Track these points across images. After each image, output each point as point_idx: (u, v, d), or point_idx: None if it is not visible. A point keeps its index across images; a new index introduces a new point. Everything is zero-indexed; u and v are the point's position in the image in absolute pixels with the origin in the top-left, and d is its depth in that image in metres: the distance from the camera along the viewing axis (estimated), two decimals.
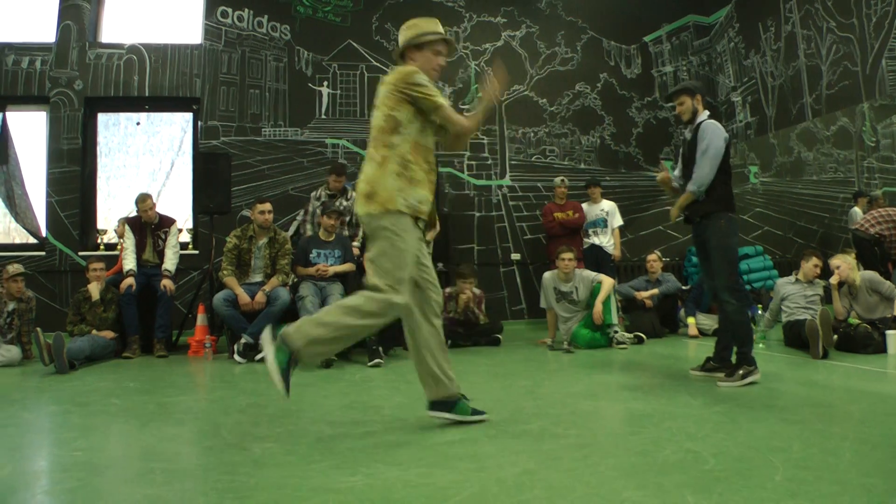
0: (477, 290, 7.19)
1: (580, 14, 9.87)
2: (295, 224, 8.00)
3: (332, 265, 6.48)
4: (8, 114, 8.81)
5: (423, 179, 3.20)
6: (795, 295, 6.28)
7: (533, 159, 9.57)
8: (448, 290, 7.11)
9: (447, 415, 3.22)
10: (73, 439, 3.17)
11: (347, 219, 7.09)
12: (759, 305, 7.41)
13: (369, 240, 3.18)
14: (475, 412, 3.28)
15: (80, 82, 8.79)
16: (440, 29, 3.47)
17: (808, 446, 2.68)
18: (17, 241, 8.87)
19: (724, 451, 2.63)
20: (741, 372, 4.19)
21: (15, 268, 6.33)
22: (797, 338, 5.91)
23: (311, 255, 6.50)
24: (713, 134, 4.35)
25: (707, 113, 4.57)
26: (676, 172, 4.82)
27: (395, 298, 3.02)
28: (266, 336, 2.96)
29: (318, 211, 6.99)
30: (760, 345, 6.08)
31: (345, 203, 7.07)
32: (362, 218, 3.17)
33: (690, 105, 4.55)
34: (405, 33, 3.43)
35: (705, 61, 10.19)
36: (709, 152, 4.32)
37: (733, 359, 4.43)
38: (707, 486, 2.21)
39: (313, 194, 7.34)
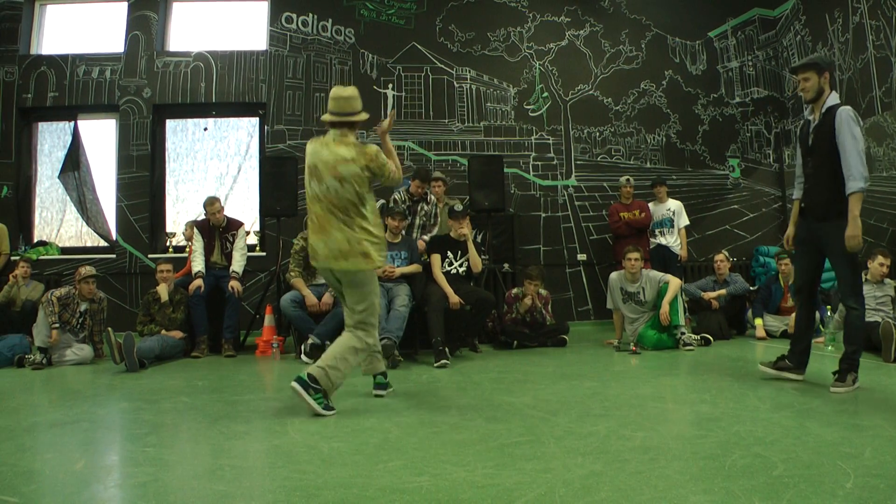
0: (543, 292, 7.13)
1: (644, 11, 9.77)
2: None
3: (398, 266, 6.45)
4: (79, 122, 9.02)
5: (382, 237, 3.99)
6: (865, 296, 6.02)
7: (598, 159, 9.48)
8: (514, 290, 7.07)
9: (305, 394, 3.61)
10: (143, 435, 3.22)
11: (428, 222, 7.14)
12: (829, 307, 7.24)
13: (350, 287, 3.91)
14: (327, 407, 3.65)
15: (148, 90, 8.96)
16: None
17: (881, 453, 2.59)
18: (89, 244, 9.07)
19: (794, 457, 2.56)
20: (853, 376, 4.00)
21: (87, 270, 6.44)
22: (867, 340, 5.67)
23: None
24: (849, 121, 3.92)
25: (835, 95, 4.14)
26: (798, 160, 4.43)
27: (369, 338, 3.93)
28: (299, 389, 3.60)
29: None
30: (829, 347, 5.94)
31: (425, 208, 7.06)
32: (345, 273, 3.86)
33: (816, 83, 4.07)
34: (350, 103, 3.94)
35: (771, 56, 10.00)
36: (850, 142, 3.90)
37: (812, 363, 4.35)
38: (776, 492, 2.16)
39: (393, 196, 7.24)
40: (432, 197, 7.21)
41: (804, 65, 4.14)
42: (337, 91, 3.95)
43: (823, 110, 4.08)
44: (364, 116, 3.97)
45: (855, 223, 3.87)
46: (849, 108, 4.00)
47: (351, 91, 3.99)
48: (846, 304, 4.17)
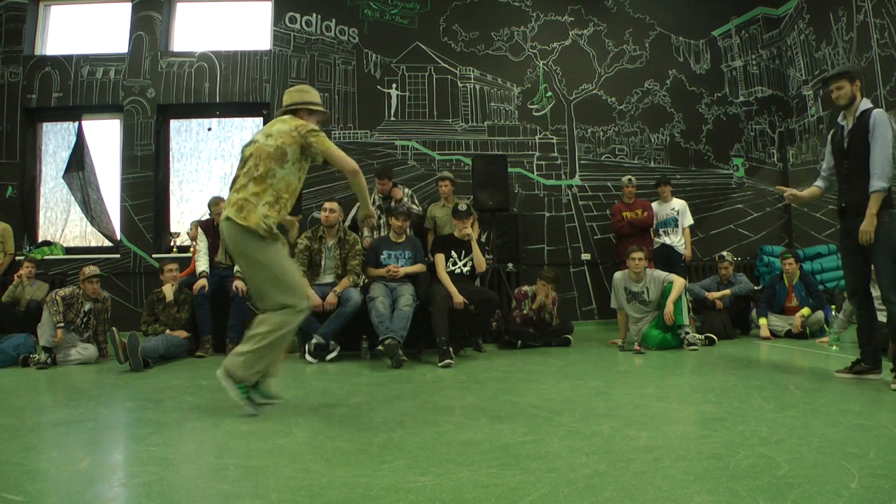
0: (553, 293, 7.12)
1: (647, 10, 9.76)
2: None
3: (402, 266, 6.46)
4: (84, 122, 9.05)
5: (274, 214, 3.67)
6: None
7: (602, 158, 9.48)
8: (525, 288, 7.07)
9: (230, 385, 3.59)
10: (148, 435, 3.21)
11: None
12: (833, 306, 7.23)
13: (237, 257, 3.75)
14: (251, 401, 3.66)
15: (152, 90, 8.98)
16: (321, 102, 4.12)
17: (886, 453, 2.57)
18: (94, 244, 9.08)
19: (799, 457, 2.54)
20: None
21: (91, 269, 6.44)
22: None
23: (381, 256, 6.50)
24: (884, 124, 4.09)
25: (867, 101, 4.31)
26: (825, 165, 4.57)
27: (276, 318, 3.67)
28: (221, 376, 3.58)
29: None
30: (834, 347, 5.91)
31: (401, 202, 7.35)
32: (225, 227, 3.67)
33: (849, 90, 4.27)
34: (301, 95, 3.99)
35: (775, 54, 9.98)
36: (885, 146, 4.07)
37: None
38: (780, 492, 2.14)
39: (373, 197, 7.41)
40: (402, 189, 7.52)
41: (836, 74, 4.34)
42: (290, 89, 4.12)
43: (857, 114, 4.25)
44: (317, 108, 4.00)
45: (871, 220, 4.08)
46: (882, 110, 4.18)
47: (301, 87, 4.12)
48: (886, 297, 4.14)
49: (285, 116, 3.86)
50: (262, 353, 3.59)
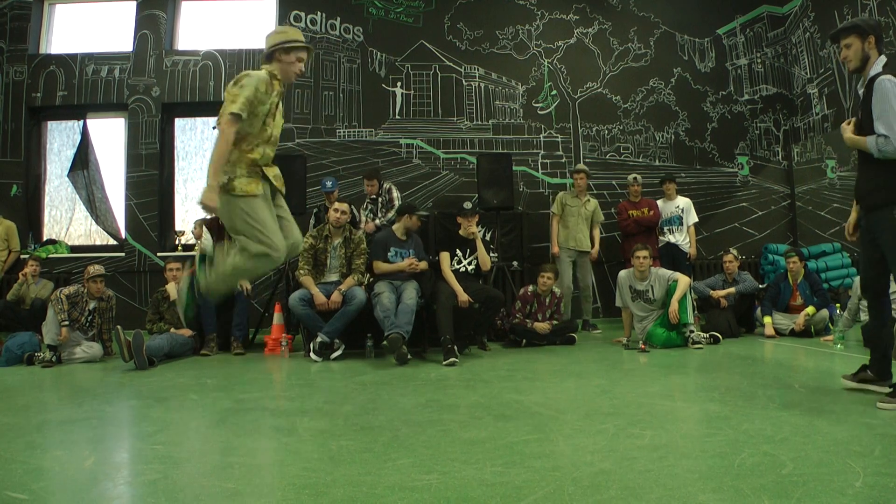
0: (557, 290, 7.12)
1: (652, 9, 9.75)
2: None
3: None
4: (88, 121, 9.06)
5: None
6: None
7: (607, 157, 9.47)
8: (531, 288, 7.05)
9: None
10: (153, 433, 3.22)
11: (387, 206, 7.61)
12: (838, 305, 7.20)
13: None
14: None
15: (157, 89, 8.99)
16: (301, 38, 3.82)
17: (891, 452, 2.56)
18: (98, 242, 9.11)
19: (803, 455, 2.53)
20: None
21: (96, 269, 6.45)
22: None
23: (388, 254, 6.49)
24: (884, 94, 3.36)
25: (883, 60, 3.52)
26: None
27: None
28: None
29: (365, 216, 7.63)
30: (839, 345, 5.88)
31: (390, 198, 7.60)
32: None
33: (860, 48, 3.54)
34: (274, 37, 3.76)
35: (780, 53, 9.95)
36: (886, 119, 3.34)
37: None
38: (785, 490, 2.14)
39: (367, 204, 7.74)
40: (386, 185, 7.71)
41: (844, 29, 3.63)
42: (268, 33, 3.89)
43: (867, 80, 3.52)
44: (287, 44, 3.70)
45: (846, 134, 3.63)
46: (889, 77, 3.39)
47: (277, 28, 4.05)
48: None
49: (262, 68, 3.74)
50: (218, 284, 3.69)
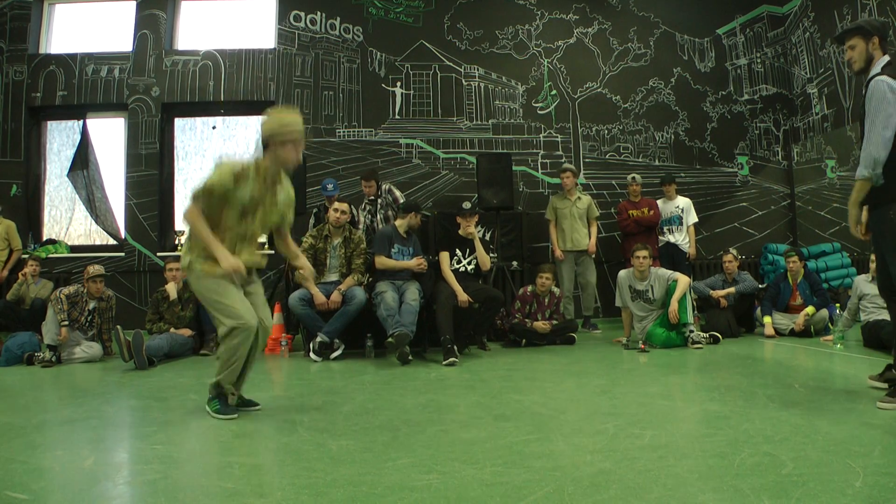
0: (556, 290, 7.12)
1: (652, 9, 9.75)
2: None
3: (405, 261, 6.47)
4: (88, 121, 9.06)
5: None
6: (874, 294, 5.85)
7: (607, 157, 9.47)
8: (530, 288, 7.06)
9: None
10: (152, 433, 3.21)
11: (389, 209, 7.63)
12: (837, 304, 7.20)
13: None
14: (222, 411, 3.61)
15: (156, 89, 8.99)
16: (297, 121, 3.68)
17: (890, 452, 2.56)
18: (98, 242, 9.10)
19: (803, 455, 2.53)
20: None
21: (96, 269, 6.46)
22: (876, 338, 5.63)
23: (392, 250, 6.49)
24: (880, 97, 3.31)
25: (884, 60, 3.49)
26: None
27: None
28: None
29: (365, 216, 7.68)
30: (838, 345, 5.88)
31: (383, 199, 7.59)
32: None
33: (864, 49, 3.53)
34: (269, 125, 3.63)
35: (780, 53, 9.95)
36: (876, 122, 3.31)
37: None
38: (785, 490, 2.13)
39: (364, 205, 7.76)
40: (385, 186, 7.70)
41: (848, 30, 3.63)
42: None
43: (867, 81, 3.49)
44: (287, 137, 3.60)
45: (852, 208, 3.59)
46: (884, 78, 3.37)
47: (268, 115, 3.72)
48: (890, 296, 3.70)
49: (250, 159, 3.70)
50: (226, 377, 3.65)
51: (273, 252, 8.54)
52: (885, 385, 3.74)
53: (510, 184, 7.92)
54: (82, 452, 2.85)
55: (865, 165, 3.36)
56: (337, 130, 9.05)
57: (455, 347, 5.73)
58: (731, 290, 7.36)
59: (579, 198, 8.12)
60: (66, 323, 6.05)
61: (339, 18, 9.25)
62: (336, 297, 6.21)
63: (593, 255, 8.10)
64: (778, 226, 9.65)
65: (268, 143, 3.61)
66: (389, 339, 5.58)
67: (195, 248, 3.62)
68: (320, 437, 3.04)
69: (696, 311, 6.75)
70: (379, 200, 7.54)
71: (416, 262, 6.38)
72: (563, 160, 9.31)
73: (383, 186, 7.69)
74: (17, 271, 7.60)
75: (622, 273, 6.78)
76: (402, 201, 7.47)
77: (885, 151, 3.29)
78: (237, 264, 3.50)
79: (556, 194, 8.32)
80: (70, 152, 9.03)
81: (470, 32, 9.41)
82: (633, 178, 8.27)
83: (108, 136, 9.22)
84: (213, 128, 9.28)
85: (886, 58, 3.51)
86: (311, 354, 6.06)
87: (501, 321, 7.09)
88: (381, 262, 6.37)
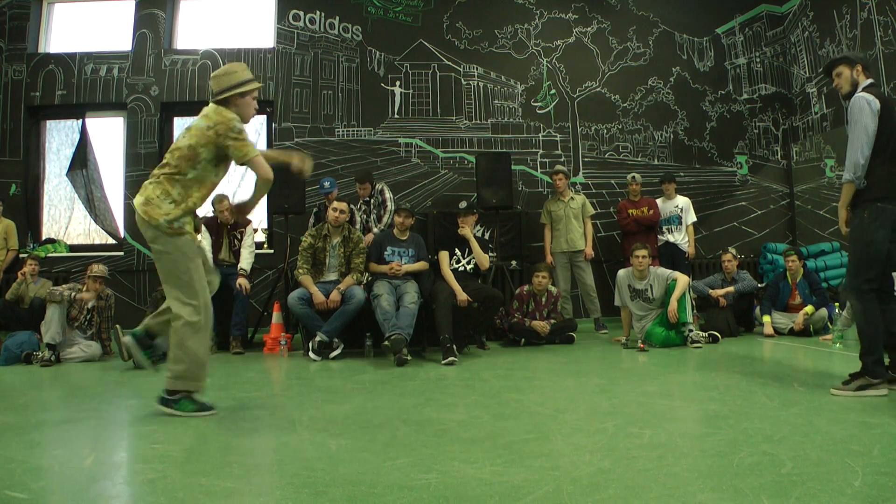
0: (553, 289, 7.13)
1: (651, 8, 9.76)
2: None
3: (405, 263, 6.45)
4: (87, 120, 9.05)
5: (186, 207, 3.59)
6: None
7: (606, 156, 9.47)
8: (526, 287, 7.06)
9: (170, 410, 3.60)
10: (152, 432, 3.22)
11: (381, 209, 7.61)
12: (836, 304, 7.21)
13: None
14: (201, 408, 3.62)
15: (156, 88, 8.98)
16: (251, 76, 3.76)
17: (889, 451, 2.56)
18: (97, 241, 9.09)
19: (802, 455, 2.53)
20: (859, 382, 3.73)
21: (100, 269, 6.46)
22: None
23: (385, 253, 6.49)
24: (859, 109, 3.72)
25: (868, 82, 3.88)
26: None
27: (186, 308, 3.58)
28: (163, 409, 3.58)
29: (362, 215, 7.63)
30: (837, 345, 5.89)
31: (383, 199, 7.60)
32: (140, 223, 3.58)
33: (849, 76, 3.90)
34: (229, 79, 3.67)
35: (779, 52, 9.96)
36: (854, 131, 3.73)
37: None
38: (784, 489, 2.13)
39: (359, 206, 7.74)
40: (379, 185, 7.68)
41: (834, 61, 4.02)
42: (215, 73, 3.77)
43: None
44: (243, 87, 3.66)
45: (841, 211, 3.96)
46: (863, 94, 3.78)
47: (225, 69, 3.72)
48: (847, 294, 3.97)
49: (209, 109, 3.64)
50: (181, 372, 3.60)
51: (273, 252, 8.61)
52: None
53: (509, 183, 7.92)
54: (81, 451, 2.85)
55: (849, 170, 3.79)
56: (336, 130, 9.05)
57: (454, 347, 5.73)
58: (731, 289, 7.37)
59: (572, 198, 8.13)
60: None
61: (338, 17, 9.24)
62: (335, 296, 6.21)
63: (589, 258, 8.09)
64: (777, 225, 9.65)
65: (228, 98, 3.64)
66: (385, 343, 5.58)
67: (183, 202, 3.56)
68: (319, 437, 3.04)
69: (695, 311, 6.76)
70: (372, 201, 7.52)
71: (388, 268, 6.39)
72: (562, 159, 9.31)
73: (377, 186, 7.68)
74: (13, 271, 7.59)
75: (621, 272, 6.78)
76: (390, 204, 7.49)
77: (863, 158, 3.72)
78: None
79: (549, 198, 8.36)
80: (69, 151, 9.03)
81: (469, 32, 9.41)
82: (633, 177, 8.27)
83: (108, 135, 9.21)
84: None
85: (870, 80, 3.93)
86: (311, 354, 6.07)
87: (500, 320, 7.09)
88: (371, 268, 6.55)
